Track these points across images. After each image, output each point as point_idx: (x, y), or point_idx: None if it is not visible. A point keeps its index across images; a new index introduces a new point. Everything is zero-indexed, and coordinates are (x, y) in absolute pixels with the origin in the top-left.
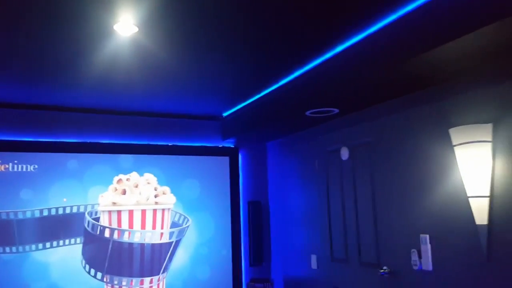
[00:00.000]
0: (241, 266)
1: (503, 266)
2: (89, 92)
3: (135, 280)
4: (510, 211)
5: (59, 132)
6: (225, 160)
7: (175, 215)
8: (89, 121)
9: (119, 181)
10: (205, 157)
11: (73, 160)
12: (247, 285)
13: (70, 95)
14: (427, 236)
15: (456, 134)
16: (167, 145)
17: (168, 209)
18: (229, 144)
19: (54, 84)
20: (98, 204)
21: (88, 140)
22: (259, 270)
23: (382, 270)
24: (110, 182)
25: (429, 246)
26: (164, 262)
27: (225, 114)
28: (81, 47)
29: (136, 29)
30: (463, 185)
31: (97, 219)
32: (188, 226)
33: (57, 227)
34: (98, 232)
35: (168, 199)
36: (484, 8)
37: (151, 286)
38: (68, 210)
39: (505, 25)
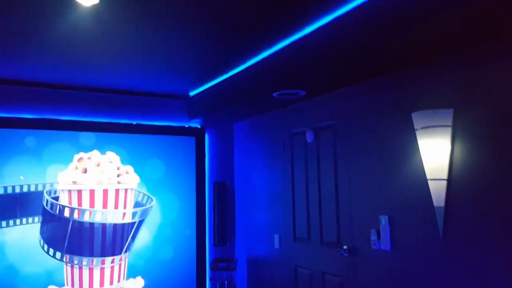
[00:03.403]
0: (205, 246)
1: (457, 246)
2: (49, 65)
3: (96, 260)
4: (466, 193)
5: (16, 107)
6: (191, 140)
7: (139, 195)
8: (49, 96)
9: (80, 159)
10: (171, 136)
11: (30, 137)
12: (210, 264)
13: (29, 69)
14: (387, 217)
15: (418, 118)
16: (131, 123)
17: (131, 189)
18: (195, 124)
19: (11, 57)
20: (58, 182)
21: (47, 116)
22: (223, 250)
23: (342, 249)
24: (70, 160)
25: (388, 226)
26: (126, 242)
27: (192, 94)
28: (39, 17)
29: (97, 0)
30: (423, 168)
31: (56, 198)
32: (151, 206)
33: (13, 206)
34: (57, 212)
35: (131, 178)
36: None
37: (113, 266)
38: (25, 189)
39: (462, 17)
